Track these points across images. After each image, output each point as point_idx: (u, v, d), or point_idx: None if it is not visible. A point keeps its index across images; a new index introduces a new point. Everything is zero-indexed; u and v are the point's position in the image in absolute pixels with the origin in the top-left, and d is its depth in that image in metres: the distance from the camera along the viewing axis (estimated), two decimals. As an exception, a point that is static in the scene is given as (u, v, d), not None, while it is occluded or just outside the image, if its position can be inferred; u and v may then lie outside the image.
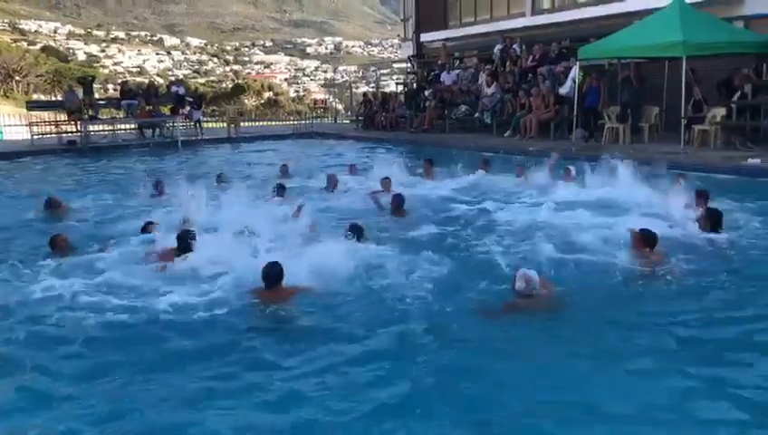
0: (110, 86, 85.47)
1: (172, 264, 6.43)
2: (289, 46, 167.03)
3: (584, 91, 15.93)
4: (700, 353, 4.61)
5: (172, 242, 6.83)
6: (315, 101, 41.76)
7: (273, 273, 5.52)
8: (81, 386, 4.30)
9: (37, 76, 52.18)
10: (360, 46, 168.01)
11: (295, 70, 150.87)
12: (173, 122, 21.56)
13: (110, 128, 22.17)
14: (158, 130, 21.82)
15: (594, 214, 8.21)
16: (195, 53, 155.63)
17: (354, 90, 34.75)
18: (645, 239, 6.19)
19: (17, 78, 49.47)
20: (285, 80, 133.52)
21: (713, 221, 6.99)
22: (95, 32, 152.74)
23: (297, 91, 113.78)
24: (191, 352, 4.78)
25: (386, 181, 10.21)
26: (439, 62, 23.16)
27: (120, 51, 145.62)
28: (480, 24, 23.38)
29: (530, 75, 18.43)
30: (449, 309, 5.37)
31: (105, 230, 8.42)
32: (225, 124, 25.51)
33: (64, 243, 7.21)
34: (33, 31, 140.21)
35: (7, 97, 44.44)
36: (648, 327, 5.03)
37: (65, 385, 4.30)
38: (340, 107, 34.54)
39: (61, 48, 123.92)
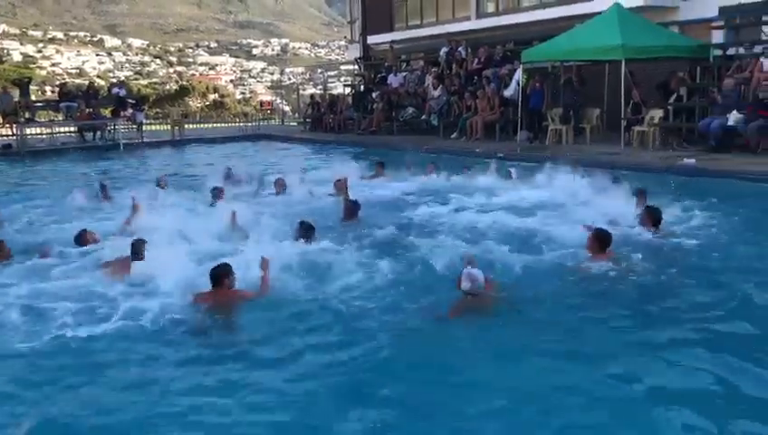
0: (48, 88, 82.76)
1: (128, 274, 6.28)
2: (234, 48, 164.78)
3: (528, 94, 16.24)
4: (653, 348, 4.70)
5: (119, 249, 6.71)
6: (262, 103, 41.21)
7: (220, 270, 5.51)
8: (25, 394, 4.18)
9: (-31, 77, 50.18)
10: (306, 48, 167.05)
11: (241, 71, 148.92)
12: (114, 125, 21.02)
13: (49, 131, 21.46)
14: (98, 132, 21.24)
15: (537, 214, 8.40)
16: (137, 54, 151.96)
17: (301, 91, 34.51)
18: (600, 239, 6.32)
19: (-52, 79, 47.46)
20: (231, 81, 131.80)
21: (653, 218, 7.21)
22: (31, 32, 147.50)
23: (243, 93, 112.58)
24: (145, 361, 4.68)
25: (340, 183, 9.97)
26: (386, 63, 23.25)
27: (57, 51, 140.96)
28: (426, 27, 23.58)
29: (475, 78, 18.69)
30: (398, 311, 5.41)
31: (43, 236, 8.17)
32: (168, 127, 25.01)
33: (5, 249, 6.94)
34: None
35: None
36: (602, 324, 5.16)
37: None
38: (287, 109, 34.27)
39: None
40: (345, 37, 30.32)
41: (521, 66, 16.47)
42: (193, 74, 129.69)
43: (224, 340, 5.07)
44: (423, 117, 19.55)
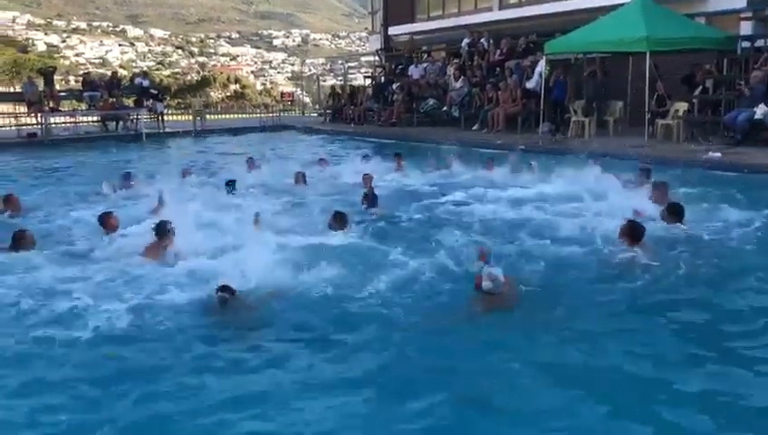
0: (72, 78, 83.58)
1: (159, 258, 6.33)
2: (255, 38, 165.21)
3: (551, 86, 16.10)
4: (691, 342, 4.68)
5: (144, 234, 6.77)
6: (282, 94, 41.29)
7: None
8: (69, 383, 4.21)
9: (-5, 67, 50.85)
10: (327, 39, 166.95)
11: (262, 62, 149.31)
12: (137, 115, 21.18)
13: (72, 120, 21.68)
14: (121, 122, 21.42)
15: (563, 208, 8.31)
16: (159, 45, 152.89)
17: (322, 83, 34.53)
18: (632, 231, 6.26)
19: (-26, 69, 48.18)
20: (252, 72, 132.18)
21: (676, 213, 7.13)
22: (56, 22, 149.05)
23: (264, 84, 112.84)
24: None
25: (367, 177, 10.16)
26: (406, 55, 23.17)
27: (81, 41, 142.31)
28: (448, 18, 23.43)
29: (497, 69, 18.56)
30: (417, 308, 5.35)
31: (65, 224, 8.27)
32: (190, 117, 25.16)
33: (29, 238, 7.02)
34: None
35: (-36, 88, 43.18)
36: (635, 318, 5.11)
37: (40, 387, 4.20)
38: (307, 100, 34.31)
39: (20, 38, 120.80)
40: (366, 28, 30.25)
41: (543, 58, 16.32)
42: (214, 65, 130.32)
43: (244, 331, 5.05)
44: (444, 109, 19.46)
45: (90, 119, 21.83)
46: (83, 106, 21.65)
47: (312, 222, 7.66)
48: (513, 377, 4.20)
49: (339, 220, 7.25)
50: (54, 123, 20.67)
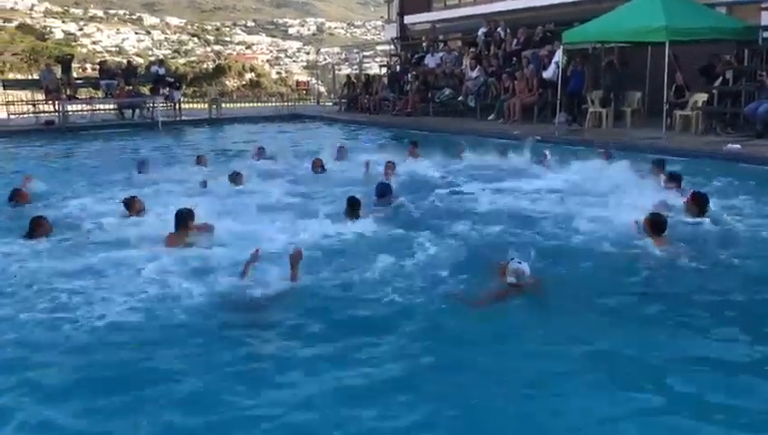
0: (89, 65, 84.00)
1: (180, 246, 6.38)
2: (271, 27, 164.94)
3: (568, 76, 15.96)
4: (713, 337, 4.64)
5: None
6: (298, 83, 41.26)
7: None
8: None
9: (13, 54, 51.23)
10: (342, 28, 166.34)
11: (277, 51, 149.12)
12: (153, 103, 21.28)
13: (89, 108, 21.82)
14: (137, 110, 21.53)
15: (580, 200, 8.25)
16: (175, 33, 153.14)
17: (337, 72, 34.46)
18: (655, 224, 6.21)
19: (-7, 56, 48.51)
20: (267, 61, 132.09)
21: (700, 204, 7.07)
22: (73, 9, 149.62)
23: (279, 73, 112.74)
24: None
25: (389, 164, 10.19)
26: (424, 44, 23.04)
27: (98, 29, 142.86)
28: (464, 7, 23.28)
29: (514, 59, 18.42)
30: (433, 296, 5.33)
31: (87, 211, 8.32)
32: (206, 105, 25.22)
33: (46, 225, 7.08)
34: (8, 8, 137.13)
35: (-18, 76, 43.56)
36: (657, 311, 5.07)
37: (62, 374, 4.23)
38: (322, 89, 34.21)
39: (37, 26, 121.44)
40: (382, 17, 30.14)
41: (561, 47, 16.17)
42: (230, 53, 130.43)
43: (256, 322, 5.04)
44: (460, 98, 19.36)
45: (106, 107, 21.95)
46: (100, 94, 21.77)
47: (329, 210, 7.66)
48: (529, 368, 4.19)
49: (353, 207, 7.27)
50: (72, 111, 20.82)
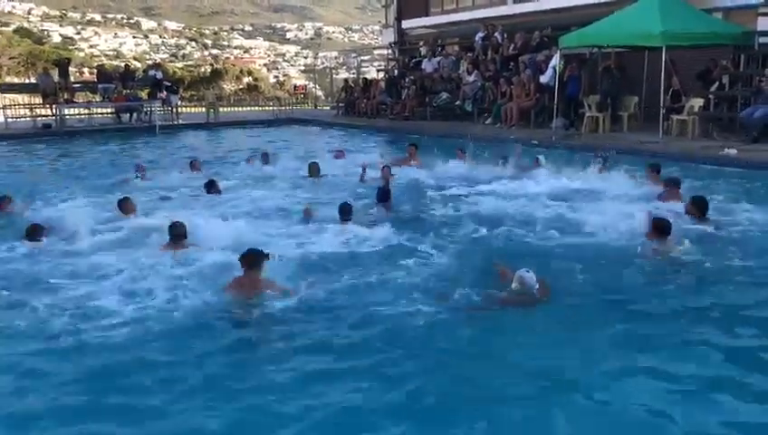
0: (86, 69, 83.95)
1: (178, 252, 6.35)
2: (268, 31, 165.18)
3: (565, 80, 15.99)
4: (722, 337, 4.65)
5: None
6: (295, 87, 41.30)
7: (252, 254, 5.44)
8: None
9: (10, 58, 51.02)
10: (340, 32, 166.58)
11: (275, 55, 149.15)
12: (150, 107, 21.26)
13: (86, 112, 21.79)
14: (135, 114, 21.51)
15: (579, 204, 8.27)
16: (172, 37, 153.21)
17: (335, 76, 34.49)
18: (659, 227, 6.23)
19: (-11, 60, 48.41)
20: (265, 65, 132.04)
21: (700, 208, 7.09)
22: (70, 13, 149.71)
23: (277, 77, 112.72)
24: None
25: (385, 169, 10.17)
26: (421, 50, 23.06)
27: (96, 33, 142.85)
28: (462, 12, 23.31)
29: (511, 63, 18.45)
30: (434, 301, 5.30)
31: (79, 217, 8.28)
32: (203, 109, 25.21)
33: (41, 231, 7.06)
34: (6, 12, 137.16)
35: (-21, 79, 43.43)
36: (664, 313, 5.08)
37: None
38: (320, 93, 34.26)
39: (35, 30, 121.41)
40: (379, 21, 30.17)
41: (558, 52, 16.20)
42: (227, 57, 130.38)
43: (255, 330, 5.04)
44: (457, 103, 19.39)
45: (104, 110, 21.94)
46: (98, 98, 21.76)
47: (324, 215, 7.65)
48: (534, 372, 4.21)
49: (345, 213, 7.29)
50: (69, 115, 20.79)
